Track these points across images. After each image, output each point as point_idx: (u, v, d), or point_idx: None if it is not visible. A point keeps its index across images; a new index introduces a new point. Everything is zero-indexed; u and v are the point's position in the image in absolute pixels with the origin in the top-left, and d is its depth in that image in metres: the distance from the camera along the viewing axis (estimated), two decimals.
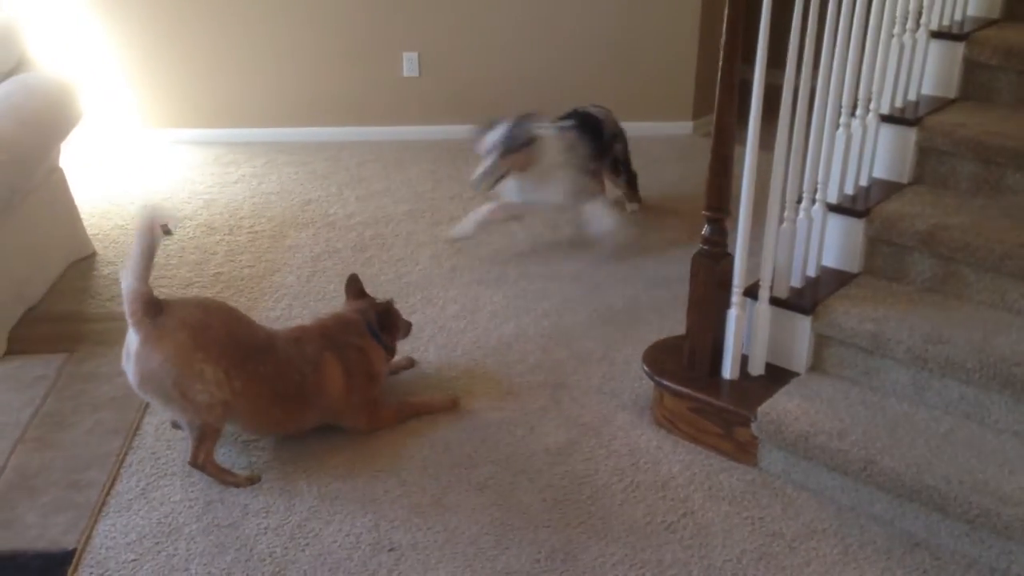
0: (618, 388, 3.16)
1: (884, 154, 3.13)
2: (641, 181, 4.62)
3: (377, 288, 3.60)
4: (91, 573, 2.38)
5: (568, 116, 4.22)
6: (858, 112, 2.97)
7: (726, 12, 2.58)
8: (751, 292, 2.86)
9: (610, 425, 2.97)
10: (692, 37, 5.52)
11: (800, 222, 2.87)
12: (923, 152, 3.10)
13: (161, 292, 2.78)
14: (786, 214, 2.85)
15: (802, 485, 2.68)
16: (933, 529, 2.46)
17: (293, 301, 3.71)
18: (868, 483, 2.53)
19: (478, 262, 4.07)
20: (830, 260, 3.02)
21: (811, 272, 2.97)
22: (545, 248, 4.23)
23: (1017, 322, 2.69)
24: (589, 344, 3.43)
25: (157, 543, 2.49)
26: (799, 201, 2.88)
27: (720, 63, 2.62)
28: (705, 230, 2.84)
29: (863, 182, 3.08)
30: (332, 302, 3.60)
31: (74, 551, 2.44)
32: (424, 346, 3.40)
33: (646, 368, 3.00)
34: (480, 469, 2.77)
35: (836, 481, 2.61)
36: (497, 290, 3.82)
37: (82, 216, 4.13)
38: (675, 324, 3.26)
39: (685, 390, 2.87)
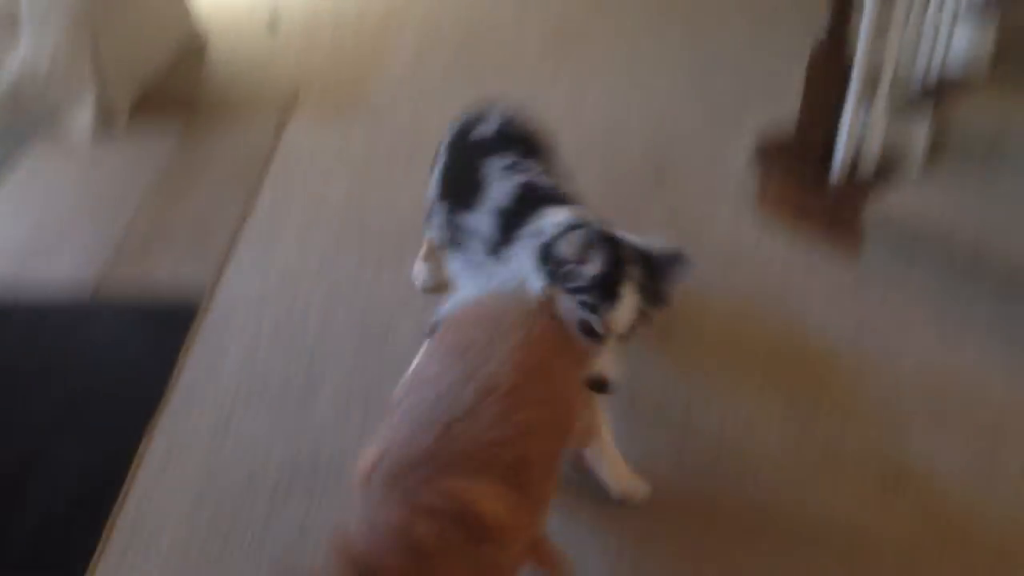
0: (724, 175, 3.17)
1: None
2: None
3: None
4: (218, 317, 2.56)
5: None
6: None
7: None
8: (869, 92, 2.80)
9: (713, 215, 3.00)
10: None
11: (927, 25, 2.78)
12: None
13: None
14: (913, 16, 2.75)
15: (903, 281, 2.69)
16: None
17: None
18: (971, 278, 2.54)
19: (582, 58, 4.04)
20: (955, 66, 2.93)
21: (934, 75, 2.89)
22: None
23: None
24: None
25: (278, 294, 2.65)
26: (927, 6, 2.77)
27: None
28: (825, 20, 2.76)
29: None
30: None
31: (200, 300, 2.61)
32: None
33: (754, 158, 3.00)
34: None
35: (938, 278, 2.62)
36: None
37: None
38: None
39: (793, 181, 2.88)
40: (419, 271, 2.61)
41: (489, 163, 2.07)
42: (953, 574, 1.88)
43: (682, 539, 1.94)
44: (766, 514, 2.00)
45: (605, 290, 1.70)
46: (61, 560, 1.90)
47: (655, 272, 1.78)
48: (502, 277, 1.93)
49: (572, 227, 1.80)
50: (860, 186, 2.82)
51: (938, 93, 2.84)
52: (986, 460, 2.11)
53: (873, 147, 2.84)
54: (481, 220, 2.00)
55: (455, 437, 1.39)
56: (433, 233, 2.29)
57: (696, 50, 4.09)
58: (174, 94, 3.70)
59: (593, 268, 1.70)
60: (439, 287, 2.56)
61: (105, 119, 3.41)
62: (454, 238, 2.12)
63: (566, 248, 1.74)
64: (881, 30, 2.69)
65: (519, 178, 2.02)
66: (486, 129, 2.17)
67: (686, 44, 4.16)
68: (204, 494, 2.03)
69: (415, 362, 1.85)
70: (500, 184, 2.01)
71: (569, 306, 1.71)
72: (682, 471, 2.10)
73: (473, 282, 2.06)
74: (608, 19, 4.46)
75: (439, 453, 1.37)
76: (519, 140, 2.15)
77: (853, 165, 2.88)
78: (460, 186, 2.12)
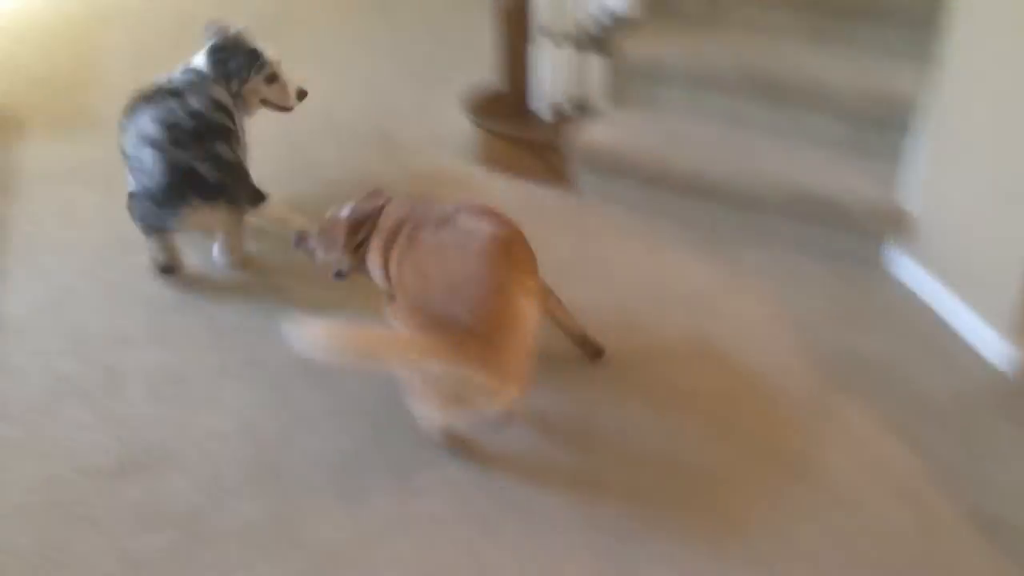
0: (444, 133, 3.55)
1: None
2: None
3: None
4: (5, 332, 2.60)
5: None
6: None
7: None
8: (552, 38, 3.26)
9: (441, 169, 3.38)
10: None
11: None
12: None
13: None
14: None
15: (612, 199, 3.20)
16: (712, 216, 3.07)
17: None
18: (663, 188, 3.09)
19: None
20: (619, 8, 3.44)
21: (605, 19, 3.39)
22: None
23: (764, 39, 3.25)
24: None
25: (57, 303, 2.71)
26: None
27: None
28: None
29: None
30: None
31: None
32: None
33: (468, 114, 3.40)
34: None
35: (639, 192, 3.15)
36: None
37: None
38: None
39: (503, 128, 3.30)
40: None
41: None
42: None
43: None
44: None
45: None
46: None
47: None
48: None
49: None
50: (563, 123, 3.30)
51: (610, 32, 3.35)
52: (696, 332, 2.66)
53: (564, 87, 3.32)
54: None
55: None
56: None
57: (395, 28, 4.44)
58: None
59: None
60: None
61: None
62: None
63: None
64: None
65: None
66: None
67: (385, 24, 4.50)
68: (34, 496, 2.13)
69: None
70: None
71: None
72: None
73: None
74: (312, 5, 4.69)
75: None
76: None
77: (555, 109, 3.35)
78: None
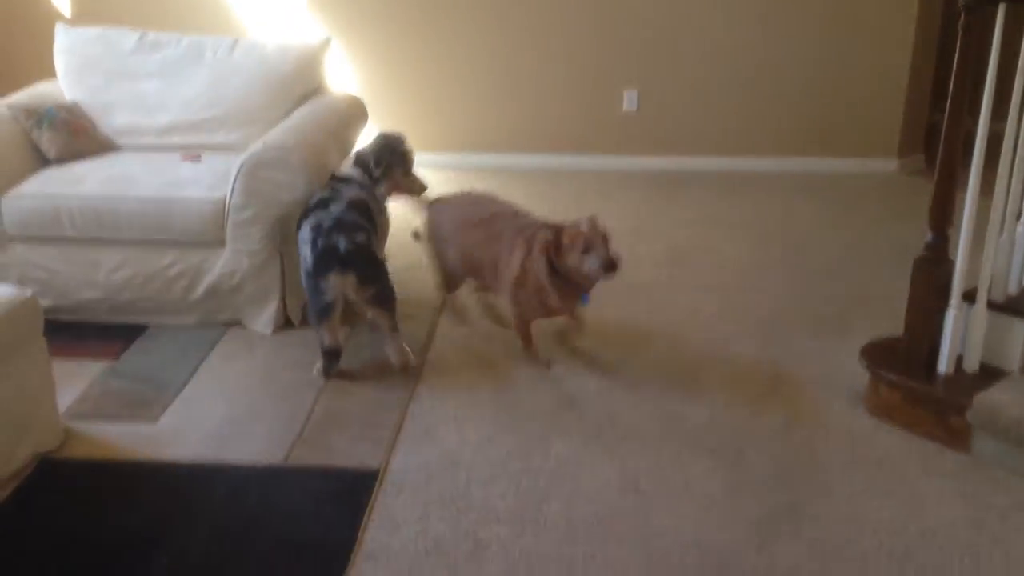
0: (834, 382, 3.49)
1: None
2: (847, 217, 4.91)
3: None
4: (392, 487, 2.91)
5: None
6: None
7: (955, 64, 2.94)
8: (969, 296, 3.14)
9: (827, 412, 3.30)
10: (903, 73, 5.76)
11: (1020, 234, 3.14)
12: None
13: None
14: (1006, 225, 3.13)
15: (1012, 469, 2.92)
16: None
17: None
18: None
19: (696, 271, 4.50)
20: None
21: None
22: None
23: None
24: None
25: (441, 469, 3.01)
26: (1019, 216, 3.15)
27: (947, 111, 3.02)
28: (928, 237, 3.15)
29: None
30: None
31: (378, 470, 2.99)
32: (650, 339, 3.84)
33: (864, 360, 3.32)
34: (709, 438, 3.16)
35: None
36: (713, 295, 4.23)
37: None
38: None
39: (902, 380, 3.17)
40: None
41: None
42: None
43: None
44: None
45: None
46: None
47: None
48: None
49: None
50: (965, 383, 3.10)
51: None
52: None
53: (975, 347, 3.14)
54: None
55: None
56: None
57: (800, 267, 4.53)
58: None
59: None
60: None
61: (282, 320, 3.95)
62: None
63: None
64: (978, 239, 3.07)
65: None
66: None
67: (790, 260, 4.61)
68: None
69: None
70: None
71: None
72: None
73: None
74: (722, 235, 4.96)
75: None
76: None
77: (958, 365, 3.17)
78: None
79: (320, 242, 3.42)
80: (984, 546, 2.62)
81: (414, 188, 4.00)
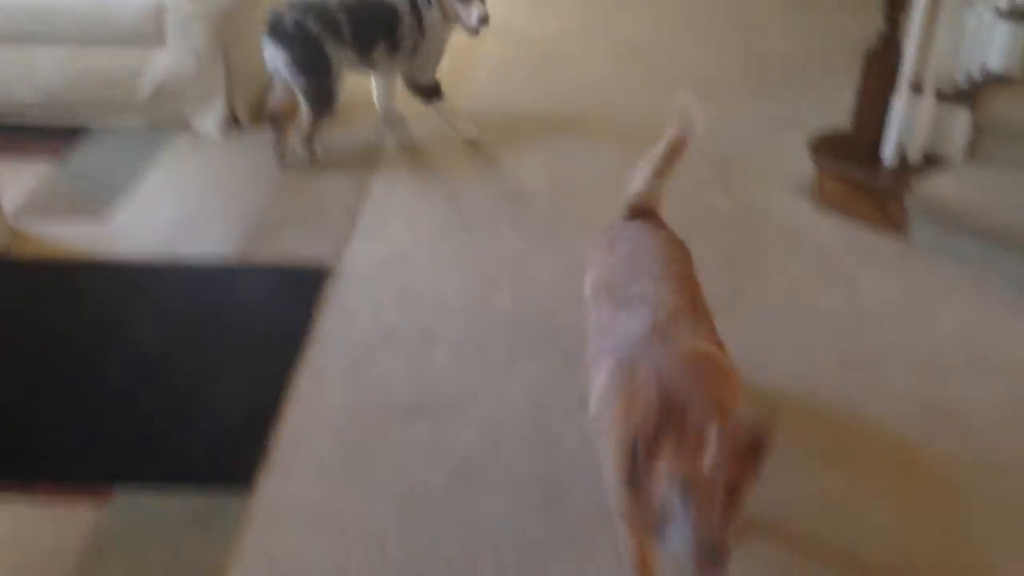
0: (782, 174, 3.54)
1: None
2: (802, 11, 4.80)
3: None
4: (345, 281, 2.97)
5: None
6: None
7: None
8: (917, 87, 3.14)
9: (773, 203, 3.36)
10: None
11: (969, 26, 3.11)
12: None
13: None
14: (956, 17, 3.09)
15: (946, 252, 3.02)
16: None
17: None
18: (1006, 250, 2.86)
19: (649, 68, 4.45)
20: (995, 64, 3.25)
21: (975, 73, 3.21)
22: None
23: None
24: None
25: (395, 263, 3.06)
26: (972, 5, 3.11)
27: None
28: (880, 28, 3.12)
29: None
30: None
31: (331, 265, 3.03)
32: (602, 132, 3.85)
33: (810, 151, 3.35)
34: None
35: (978, 250, 2.94)
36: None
37: None
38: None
39: (847, 169, 3.22)
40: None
41: None
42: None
43: None
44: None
45: None
46: (231, 473, 2.28)
47: None
48: None
49: None
50: (908, 172, 3.16)
51: (978, 87, 3.16)
52: (1008, 400, 2.44)
53: (920, 136, 3.18)
54: None
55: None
56: None
57: (751, 63, 4.48)
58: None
59: None
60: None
61: (230, 120, 3.87)
62: None
63: None
64: (928, 32, 3.04)
65: None
66: None
67: (743, 59, 4.55)
68: (346, 419, 2.42)
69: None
70: None
71: None
72: None
73: None
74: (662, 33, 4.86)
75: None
76: None
77: (902, 154, 3.21)
78: None
79: (286, 14, 3.40)
80: (916, 324, 2.74)
81: (469, 18, 3.57)
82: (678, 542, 1.39)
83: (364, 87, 3.92)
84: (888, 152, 3.21)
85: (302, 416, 2.43)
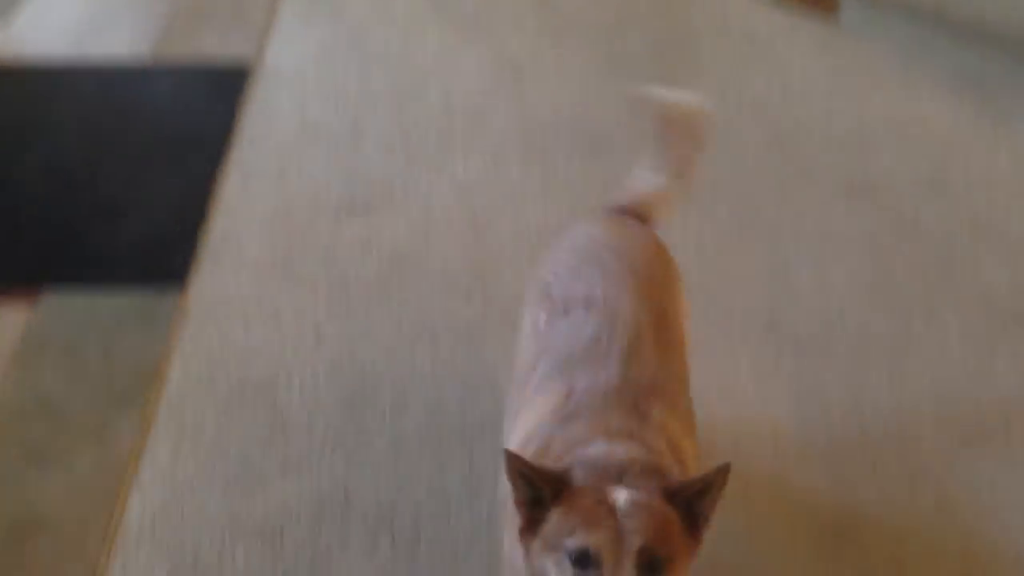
0: None
1: None
2: None
3: None
4: (268, 78, 2.87)
5: None
6: None
7: None
8: None
9: None
10: None
11: None
12: None
13: None
14: None
15: (875, 34, 3.01)
16: (987, 67, 2.80)
17: None
18: (934, 29, 2.86)
19: None
20: None
21: None
22: None
23: None
24: None
25: (318, 59, 2.96)
26: None
27: None
28: None
29: None
30: None
31: (251, 63, 2.92)
32: None
33: None
34: (584, 16, 3.15)
35: (906, 29, 2.93)
36: None
37: None
38: None
39: None
40: None
41: None
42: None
43: None
44: None
45: None
46: (163, 272, 2.26)
47: None
48: None
49: None
50: None
51: None
52: (936, 173, 2.51)
53: None
54: None
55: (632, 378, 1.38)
56: None
57: None
58: None
59: None
60: None
61: None
62: None
63: None
64: None
65: None
66: None
67: None
68: (277, 215, 2.40)
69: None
70: None
71: None
72: None
73: None
74: None
75: (624, 389, 1.36)
76: None
77: None
78: None
79: None
80: (841, 104, 2.76)
81: None
82: None
83: None
84: None
85: (232, 215, 2.41)
